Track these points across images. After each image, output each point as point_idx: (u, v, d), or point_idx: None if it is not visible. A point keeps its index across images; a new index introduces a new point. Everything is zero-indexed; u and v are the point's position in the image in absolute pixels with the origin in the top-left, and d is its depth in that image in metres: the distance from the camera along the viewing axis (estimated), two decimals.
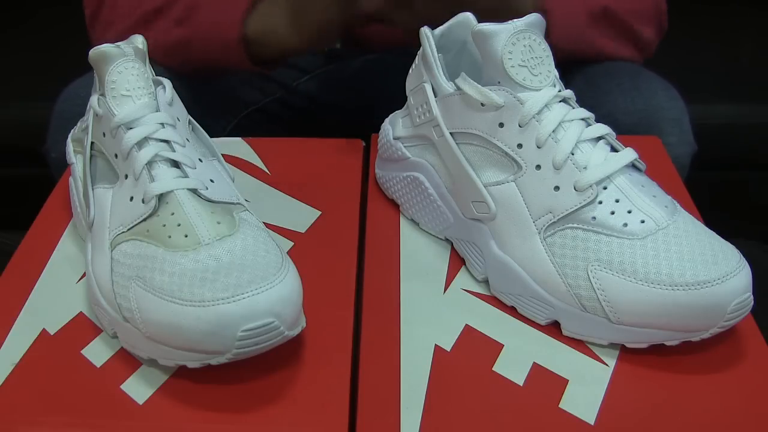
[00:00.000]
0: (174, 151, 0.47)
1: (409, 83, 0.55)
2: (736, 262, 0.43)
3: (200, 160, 0.48)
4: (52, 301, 0.50)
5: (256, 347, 0.41)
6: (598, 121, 0.49)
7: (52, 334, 0.47)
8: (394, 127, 0.57)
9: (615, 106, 0.71)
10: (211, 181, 0.47)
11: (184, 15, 0.70)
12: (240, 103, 0.87)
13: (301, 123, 0.90)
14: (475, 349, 0.46)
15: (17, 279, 0.52)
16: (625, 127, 0.69)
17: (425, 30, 0.53)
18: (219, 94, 0.84)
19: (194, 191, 0.46)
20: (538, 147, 0.47)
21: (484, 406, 0.43)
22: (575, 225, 0.46)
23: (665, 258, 0.43)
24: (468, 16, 0.52)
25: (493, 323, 0.48)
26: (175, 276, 0.41)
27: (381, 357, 0.46)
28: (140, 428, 0.42)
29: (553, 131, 0.47)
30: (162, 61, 0.71)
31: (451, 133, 0.51)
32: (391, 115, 0.59)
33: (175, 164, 0.47)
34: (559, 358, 0.46)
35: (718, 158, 1.13)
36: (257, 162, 0.64)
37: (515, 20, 0.48)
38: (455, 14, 0.53)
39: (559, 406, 0.43)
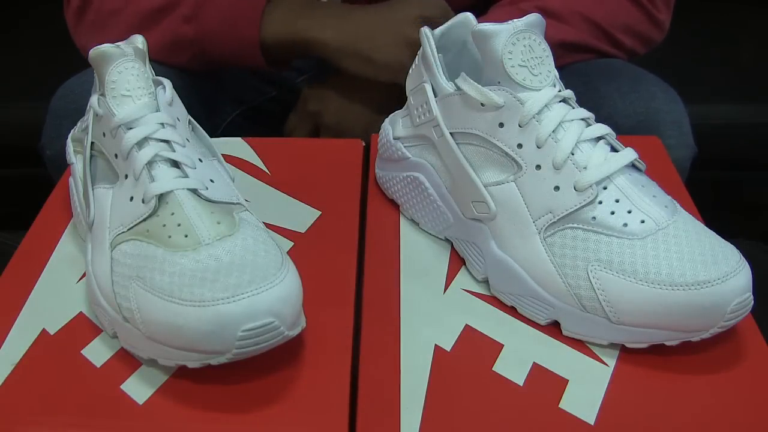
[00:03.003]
0: (174, 151, 0.47)
1: (409, 83, 0.55)
2: (736, 262, 0.43)
3: (200, 160, 0.48)
4: (52, 301, 0.50)
5: (256, 347, 0.41)
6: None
7: (52, 334, 0.47)
8: (394, 127, 0.57)
9: (614, 108, 0.71)
10: (211, 181, 0.47)
11: (194, 12, 0.70)
12: (236, 101, 0.88)
13: None
14: (475, 349, 0.46)
15: (17, 279, 0.52)
16: (625, 130, 0.69)
17: (425, 30, 0.53)
18: (215, 92, 0.84)
19: (194, 191, 0.46)
20: (538, 147, 0.47)
21: (484, 406, 0.43)
22: (575, 225, 0.46)
23: (665, 258, 0.43)
24: (468, 16, 0.53)
25: (493, 323, 0.48)
26: (175, 276, 0.41)
27: (381, 357, 0.46)
28: (140, 428, 0.42)
29: (553, 131, 0.47)
30: (166, 61, 0.71)
31: (451, 133, 0.51)
32: (391, 115, 0.59)
33: (175, 164, 0.47)
34: (559, 358, 0.46)
35: (718, 158, 1.13)
36: (257, 162, 0.64)
37: (515, 20, 0.48)
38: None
39: (559, 406, 0.43)
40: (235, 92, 0.87)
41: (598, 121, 0.49)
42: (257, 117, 0.89)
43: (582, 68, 0.75)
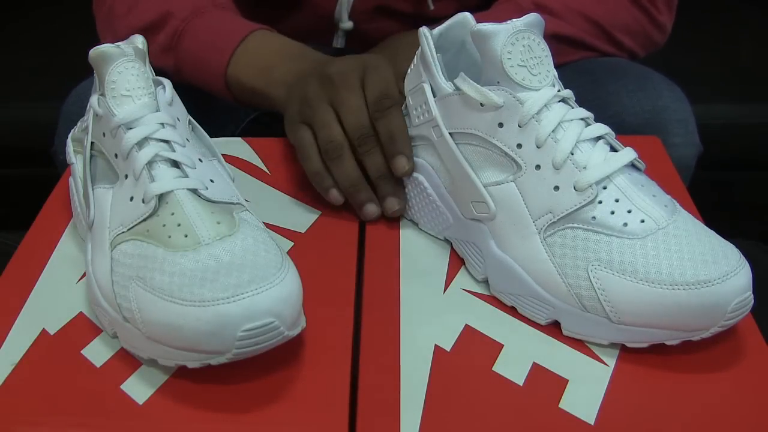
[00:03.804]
0: (174, 151, 0.47)
1: (408, 83, 0.55)
2: (736, 262, 0.43)
3: (200, 160, 0.48)
4: (52, 301, 0.50)
5: (256, 347, 0.41)
6: (604, 122, 0.49)
7: (52, 334, 0.47)
8: None
9: (621, 107, 0.71)
10: (211, 181, 0.47)
11: (171, 43, 0.68)
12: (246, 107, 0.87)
13: None
14: (475, 349, 0.46)
15: (17, 279, 0.52)
16: (632, 128, 0.70)
17: (424, 30, 0.53)
18: (225, 100, 0.84)
19: (194, 191, 0.46)
20: (538, 147, 0.47)
21: (484, 406, 0.43)
22: (575, 225, 0.46)
23: (665, 257, 0.43)
24: (466, 16, 0.53)
25: (493, 323, 0.48)
26: (175, 276, 0.41)
27: (381, 357, 0.46)
28: (140, 428, 0.42)
29: (553, 131, 0.47)
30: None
31: (450, 134, 0.51)
32: None
33: (175, 164, 0.47)
34: (559, 358, 0.46)
35: (719, 158, 1.12)
36: (257, 162, 0.64)
37: (514, 20, 0.48)
38: None
39: (559, 406, 0.43)
40: None
41: (605, 119, 0.49)
42: (271, 122, 0.88)
43: (589, 66, 0.75)
